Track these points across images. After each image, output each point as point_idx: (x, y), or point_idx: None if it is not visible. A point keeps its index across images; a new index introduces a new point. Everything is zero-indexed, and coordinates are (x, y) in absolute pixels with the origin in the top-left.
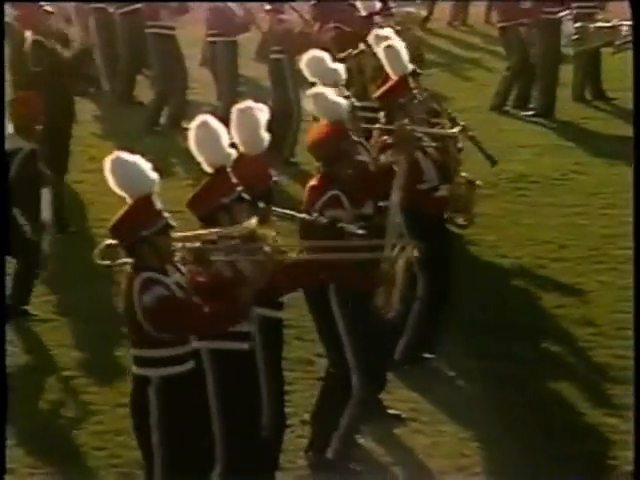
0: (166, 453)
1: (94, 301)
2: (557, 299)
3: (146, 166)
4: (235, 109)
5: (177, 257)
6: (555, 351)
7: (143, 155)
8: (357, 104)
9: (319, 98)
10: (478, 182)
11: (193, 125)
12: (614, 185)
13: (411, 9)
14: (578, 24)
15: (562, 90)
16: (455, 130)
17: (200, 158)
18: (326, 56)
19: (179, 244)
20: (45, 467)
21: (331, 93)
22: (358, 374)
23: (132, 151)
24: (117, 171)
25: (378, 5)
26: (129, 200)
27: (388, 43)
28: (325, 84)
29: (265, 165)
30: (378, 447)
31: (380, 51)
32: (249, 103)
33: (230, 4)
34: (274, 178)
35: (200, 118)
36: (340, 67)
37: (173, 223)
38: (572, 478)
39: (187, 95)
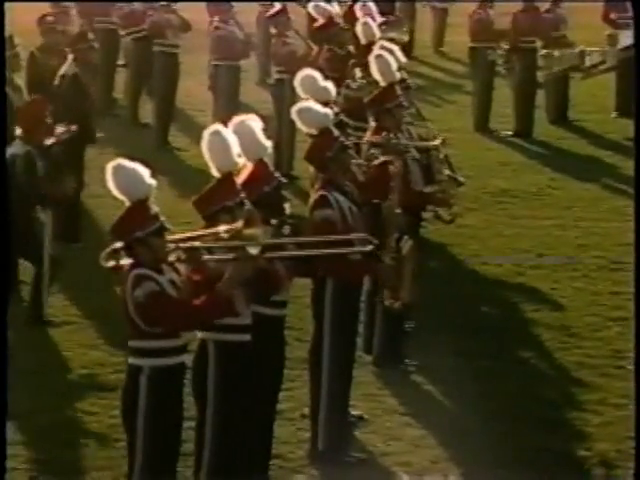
0: (149, 440)
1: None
2: (534, 304)
3: (144, 172)
4: (230, 124)
5: (172, 257)
6: (532, 351)
7: (160, 174)
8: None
9: (302, 111)
10: (461, 178)
11: (207, 132)
12: (585, 200)
13: (394, 34)
14: (543, 51)
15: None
16: (437, 142)
17: (210, 162)
18: (318, 75)
19: (173, 245)
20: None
21: (313, 104)
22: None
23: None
24: (117, 176)
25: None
26: (128, 203)
27: (378, 53)
28: (317, 101)
29: (262, 170)
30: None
31: (370, 60)
32: (241, 117)
33: (235, 29)
34: (280, 180)
35: (214, 126)
36: (330, 85)
37: (168, 226)
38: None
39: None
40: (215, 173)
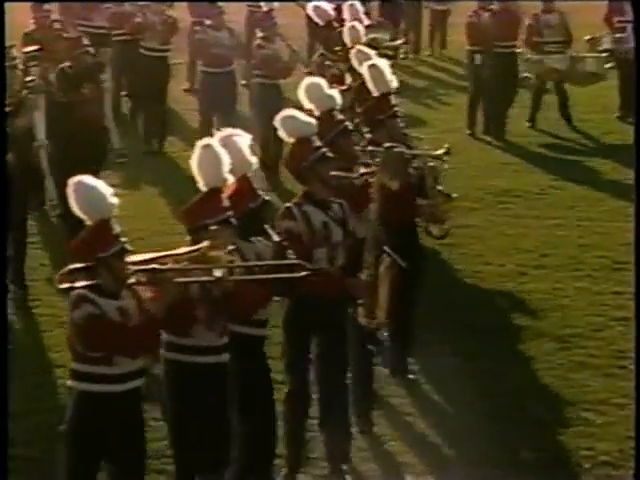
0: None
1: None
2: (538, 303)
3: (106, 191)
4: (217, 137)
5: (133, 279)
6: (534, 351)
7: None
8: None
9: (286, 120)
10: (454, 195)
11: (198, 145)
12: (588, 200)
13: (377, 35)
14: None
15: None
16: (440, 152)
17: (198, 176)
18: (323, 82)
19: (134, 267)
20: None
21: (297, 113)
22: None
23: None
24: (78, 194)
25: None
26: (89, 222)
27: (372, 62)
28: (321, 110)
29: (246, 186)
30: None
31: (364, 69)
32: (230, 131)
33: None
34: (265, 197)
35: (206, 140)
36: (335, 93)
37: (129, 247)
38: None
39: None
40: (202, 187)
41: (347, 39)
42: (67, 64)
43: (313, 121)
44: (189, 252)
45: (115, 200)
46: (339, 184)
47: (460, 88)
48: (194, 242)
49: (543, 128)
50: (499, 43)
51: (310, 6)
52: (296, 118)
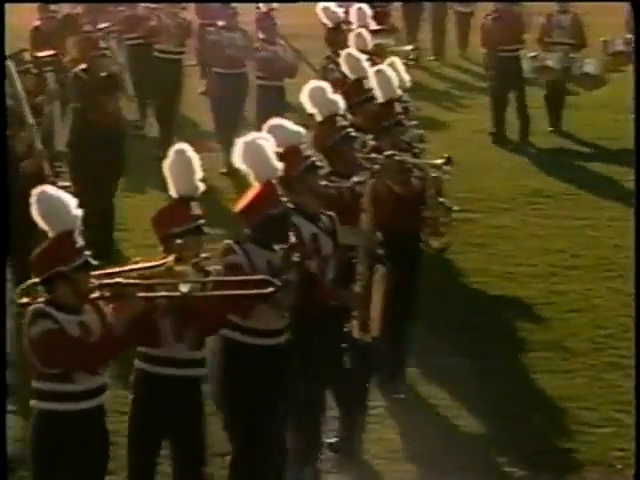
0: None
1: None
2: (569, 304)
3: (70, 202)
4: (241, 141)
5: (96, 294)
6: (566, 352)
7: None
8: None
9: (274, 128)
10: (455, 207)
11: (171, 150)
12: (618, 200)
13: (382, 41)
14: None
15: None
16: (440, 161)
17: (169, 182)
18: (327, 86)
19: (97, 281)
20: None
21: (285, 122)
22: None
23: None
24: (40, 205)
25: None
26: (51, 234)
27: (378, 67)
28: (324, 114)
29: (268, 192)
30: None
31: (370, 75)
32: (254, 134)
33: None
34: (287, 205)
35: (179, 145)
36: (339, 98)
37: (93, 262)
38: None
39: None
40: (173, 194)
41: (352, 45)
42: (82, 67)
43: (302, 130)
44: (154, 266)
45: (79, 212)
46: (328, 194)
47: (484, 90)
48: (165, 251)
49: (572, 129)
50: (502, 47)
51: (319, 7)
52: (284, 127)
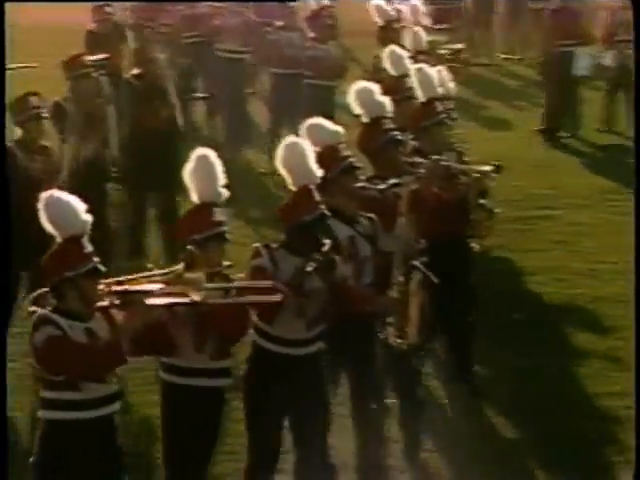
0: None
1: None
2: None
3: (79, 207)
4: (282, 144)
5: (106, 302)
6: None
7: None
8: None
9: (311, 128)
10: (497, 210)
11: (194, 155)
12: None
13: (435, 38)
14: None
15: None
16: (488, 168)
17: (190, 187)
18: (375, 88)
19: (106, 288)
20: None
21: (323, 121)
22: None
23: None
24: (49, 209)
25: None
26: (59, 239)
27: (419, 66)
28: (370, 116)
29: (304, 197)
30: None
31: (412, 73)
32: (294, 138)
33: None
34: (323, 211)
35: (200, 150)
36: (387, 100)
37: (102, 268)
38: None
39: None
40: (195, 199)
41: (407, 43)
42: (135, 73)
43: (340, 129)
44: (165, 274)
45: (89, 217)
46: (367, 196)
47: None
48: (186, 258)
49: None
50: (558, 42)
51: (370, 4)
52: (322, 126)
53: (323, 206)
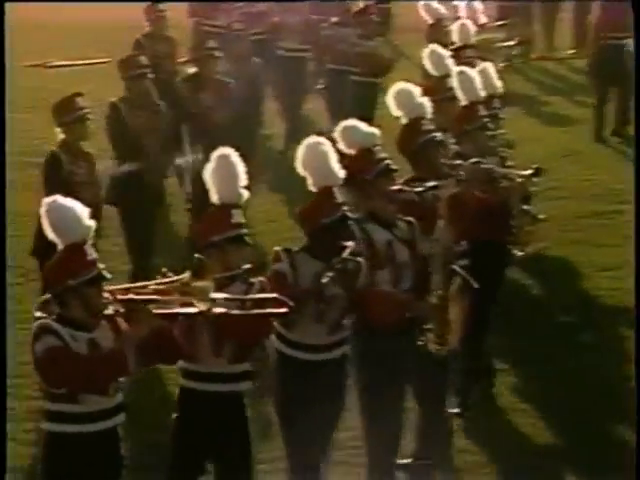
0: None
1: None
2: None
3: (82, 213)
4: (303, 144)
5: (110, 310)
6: None
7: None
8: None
9: (346, 130)
10: (541, 216)
11: (215, 154)
12: None
13: (489, 35)
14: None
15: None
16: (529, 172)
17: (211, 187)
18: (414, 89)
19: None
20: None
21: (358, 123)
22: None
23: None
24: (51, 215)
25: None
26: (61, 246)
27: (461, 68)
28: (409, 117)
29: (324, 199)
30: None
31: (453, 76)
32: (316, 138)
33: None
34: (343, 213)
35: (221, 150)
36: (426, 101)
37: (107, 275)
38: None
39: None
40: (215, 200)
41: (455, 38)
42: (191, 70)
43: (376, 131)
44: (171, 282)
45: (92, 223)
46: (403, 200)
47: None
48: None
49: None
50: (607, 34)
51: (420, 4)
52: (358, 128)
53: (346, 208)
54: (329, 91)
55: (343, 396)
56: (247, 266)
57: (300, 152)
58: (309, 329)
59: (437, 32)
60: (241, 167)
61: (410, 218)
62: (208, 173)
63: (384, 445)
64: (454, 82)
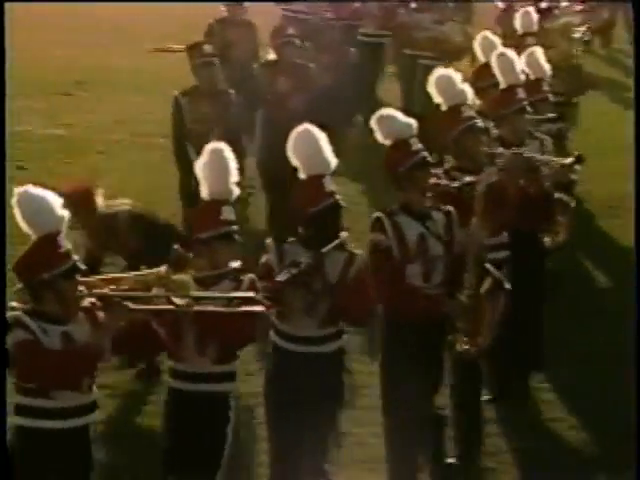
0: None
1: None
2: None
3: (55, 202)
4: (294, 132)
5: (86, 303)
6: None
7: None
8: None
9: (383, 119)
10: (572, 204)
11: (208, 147)
12: None
13: (567, 19)
14: None
15: None
16: (569, 160)
17: (202, 183)
18: (456, 76)
19: (86, 289)
20: None
21: (396, 112)
22: None
23: None
24: (22, 205)
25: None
26: (34, 238)
27: (500, 51)
28: (449, 104)
29: (312, 188)
30: None
31: (493, 59)
32: (306, 125)
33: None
34: (332, 201)
35: (216, 144)
36: (467, 88)
37: (82, 266)
38: None
39: None
40: (205, 196)
41: (518, 25)
42: (271, 58)
43: (413, 122)
44: (149, 274)
45: (65, 213)
46: (440, 192)
47: None
48: (194, 257)
49: None
50: None
51: None
52: (394, 118)
53: (338, 196)
54: (402, 76)
55: (338, 393)
56: (236, 264)
57: (291, 139)
58: (300, 321)
59: (509, 17)
60: (233, 163)
61: (449, 207)
62: (199, 167)
63: (402, 438)
64: (494, 65)
